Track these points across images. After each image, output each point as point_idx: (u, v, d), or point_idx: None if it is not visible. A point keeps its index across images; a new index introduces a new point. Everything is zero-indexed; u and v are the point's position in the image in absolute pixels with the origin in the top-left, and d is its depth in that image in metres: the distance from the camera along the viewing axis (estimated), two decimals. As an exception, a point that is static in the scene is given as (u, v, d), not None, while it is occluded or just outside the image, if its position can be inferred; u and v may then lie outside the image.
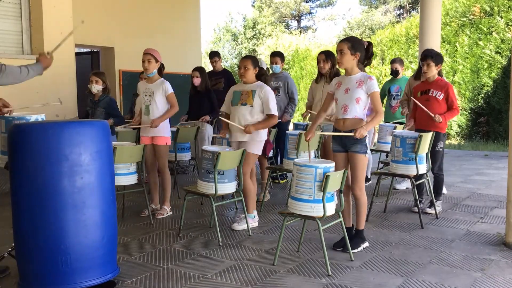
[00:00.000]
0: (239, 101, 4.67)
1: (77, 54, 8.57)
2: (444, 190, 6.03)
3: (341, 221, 3.88)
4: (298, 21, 33.97)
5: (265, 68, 5.51)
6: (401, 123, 6.82)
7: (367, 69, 12.97)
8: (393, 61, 7.11)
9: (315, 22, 34.31)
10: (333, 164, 3.62)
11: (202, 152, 4.38)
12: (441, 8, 9.23)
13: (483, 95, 12.27)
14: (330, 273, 3.52)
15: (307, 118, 5.96)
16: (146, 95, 5.10)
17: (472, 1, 12.83)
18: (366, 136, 3.86)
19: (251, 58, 4.74)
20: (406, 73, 14.07)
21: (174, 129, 6.18)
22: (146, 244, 4.29)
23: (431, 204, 5.17)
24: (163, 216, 5.12)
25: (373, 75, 15.01)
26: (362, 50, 3.91)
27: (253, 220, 4.79)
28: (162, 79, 5.14)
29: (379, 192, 5.94)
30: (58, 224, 3.00)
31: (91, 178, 3.07)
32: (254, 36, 30.32)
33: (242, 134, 4.63)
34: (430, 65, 5.07)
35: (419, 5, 10.19)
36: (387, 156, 6.56)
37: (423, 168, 4.87)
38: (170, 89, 5.07)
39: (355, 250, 3.92)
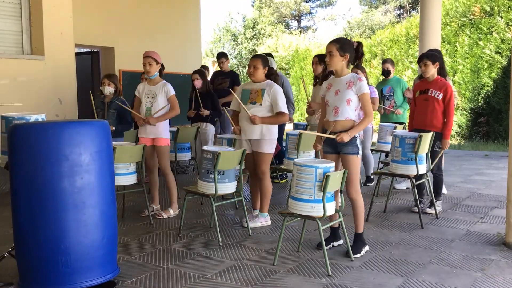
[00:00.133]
0: (248, 100, 4.67)
1: (77, 54, 8.55)
2: (444, 190, 6.03)
3: (341, 221, 3.89)
4: (298, 21, 33.96)
5: (275, 68, 5.52)
6: (401, 123, 6.83)
7: (367, 69, 12.97)
8: (384, 62, 7.23)
9: (315, 22, 34.35)
10: (333, 164, 3.61)
11: (203, 152, 4.38)
12: (441, 8, 9.22)
13: (483, 95, 12.27)
14: (330, 273, 3.52)
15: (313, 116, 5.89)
16: (148, 97, 5.09)
17: (472, 1, 12.83)
18: (356, 136, 3.81)
19: (261, 57, 4.73)
20: (406, 73, 14.10)
21: (174, 129, 6.19)
22: (146, 244, 4.29)
23: (431, 204, 5.17)
24: (162, 218, 5.12)
25: (373, 75, 15.07)
26: (352, 51, 3.86)
27: (266, 219, 4.80)
28: (164, 81, 5.14)
29: (379, 192, 5.94)
30: (58, 224, 3.00)
31: (91, 178, 3.07)
32: (254, 36, 30.31)
33: (252, 131, 4.61)
34: (427, 64, 5.08)
35: (419, 5, 10.18)
36: (387, 156, 6.56)
37: (423, 168, 4.87)
38: (172, 91, 5.07)
39: (358, 255, 3.88)
